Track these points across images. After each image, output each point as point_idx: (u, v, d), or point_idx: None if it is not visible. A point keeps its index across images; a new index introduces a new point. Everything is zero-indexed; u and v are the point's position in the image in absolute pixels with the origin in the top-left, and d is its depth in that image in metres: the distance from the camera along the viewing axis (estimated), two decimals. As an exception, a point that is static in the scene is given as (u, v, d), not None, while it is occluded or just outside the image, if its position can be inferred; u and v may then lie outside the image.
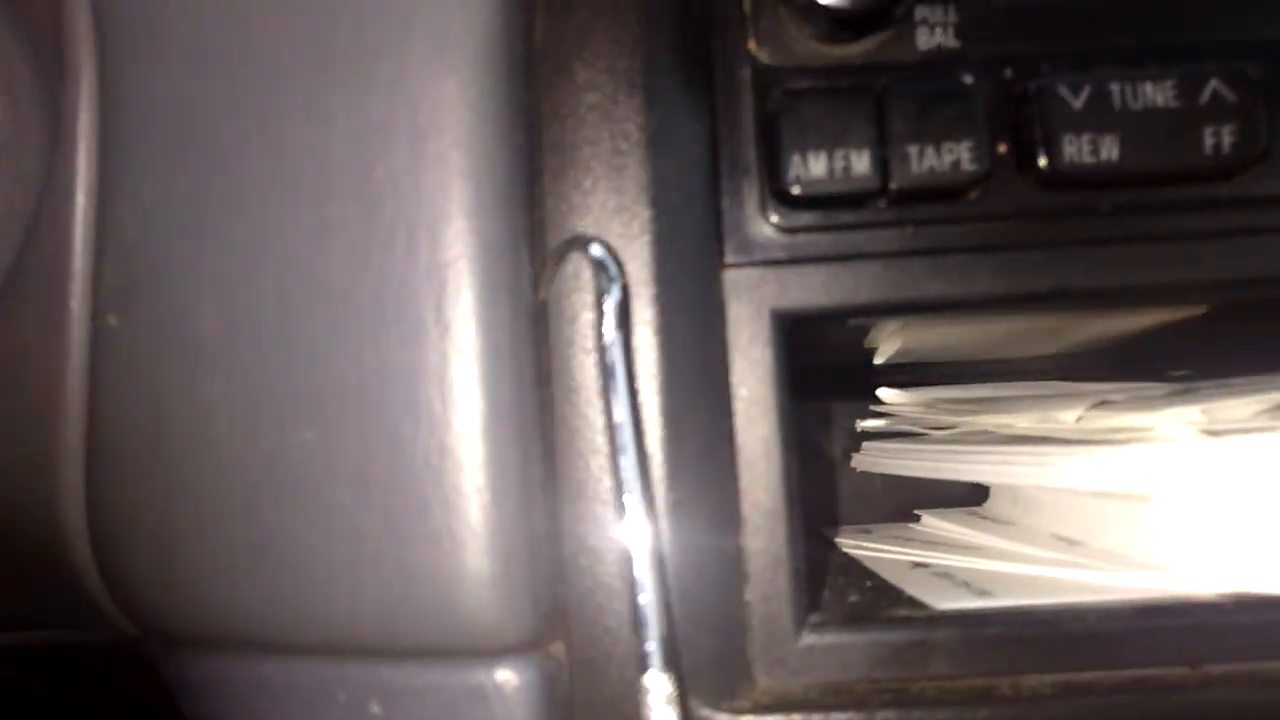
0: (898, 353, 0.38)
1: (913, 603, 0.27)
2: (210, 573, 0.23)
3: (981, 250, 0.24)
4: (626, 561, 0.22)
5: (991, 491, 0.40)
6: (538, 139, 0.23)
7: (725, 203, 0.24)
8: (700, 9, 0.25)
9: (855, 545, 0.36)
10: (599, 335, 0.23)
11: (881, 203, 0.24)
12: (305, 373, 0.22)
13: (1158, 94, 0.24)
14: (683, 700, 0.22)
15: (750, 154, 0.24)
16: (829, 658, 0.24)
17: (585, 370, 0.24)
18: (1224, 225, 0.24)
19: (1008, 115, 0.24)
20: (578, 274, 0.23)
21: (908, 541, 0.35)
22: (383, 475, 0.21)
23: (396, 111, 0.21)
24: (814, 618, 0.25)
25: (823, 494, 0.44)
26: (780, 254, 0.24)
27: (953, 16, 0.25)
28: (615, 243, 0.24)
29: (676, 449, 0.24)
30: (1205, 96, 0.24)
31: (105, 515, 0.25)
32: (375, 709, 0.22)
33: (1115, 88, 0.24)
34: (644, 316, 0.24)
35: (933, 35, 0.25)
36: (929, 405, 0.36)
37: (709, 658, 0.24)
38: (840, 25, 0.24)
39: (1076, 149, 0.24)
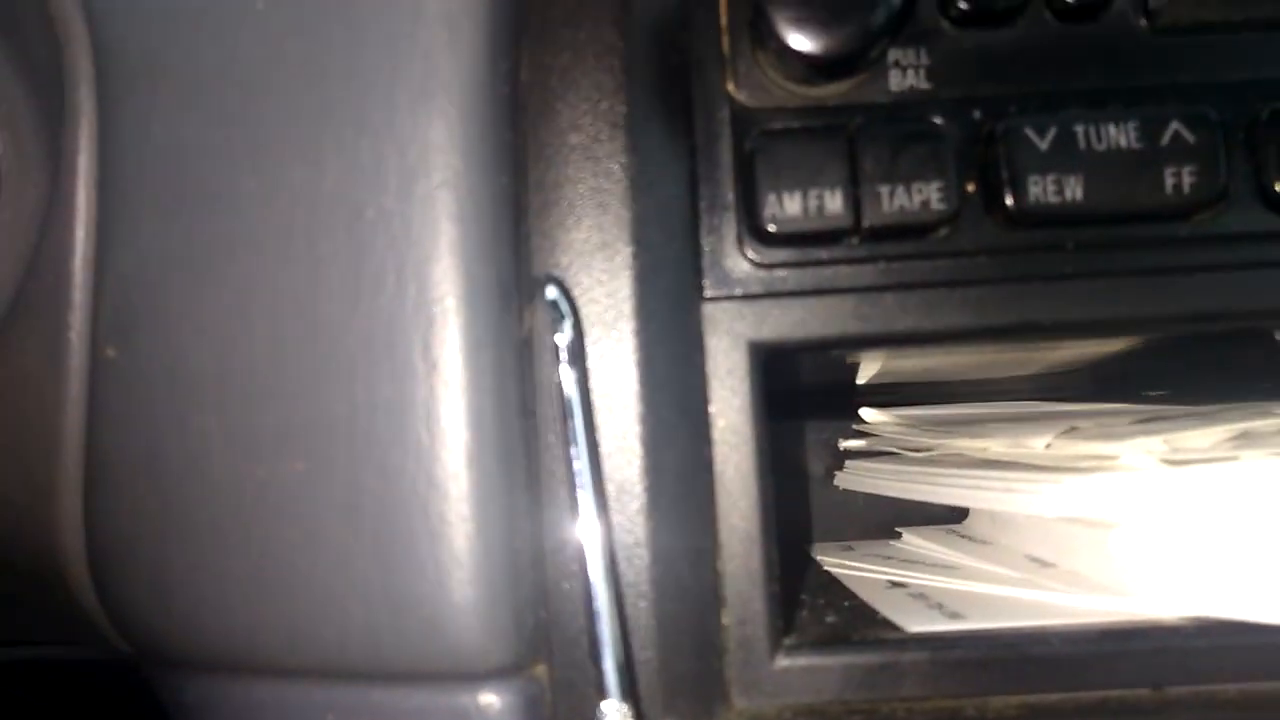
0: (879, 373, 0.39)
1: (887, 624, 0.27)
2: (204, 597, 0.24)
3: (950, 286, 0.25)
4: (590, 595, 0.23)
5: (970, 511, 0.41)
6: (523, 178, 0.24)
7: (704, 239, 0.25)
8: (680, 52, 0.25)
9: (836, 563, 0.36)
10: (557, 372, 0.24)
11: (854, 240, 0.25)
12: (297, 406, 0.22)
13: (1120, 135, 0.25)
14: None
15: (728, 192, 0.25)
16: (803, 680, 0.25)
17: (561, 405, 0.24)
18: (1183, 262, 0.25)
19: (976, 155, 0.25)
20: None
21: (887, 560, 0.36)
22: (372, 505, 0.22)
23: (386, 154, 0.22)
24: (789, 640, 0.25)
25: (806, 510, 0.44)
26: (757, 288, 0.25)
27: (924, 59, 0.26)
28: (597, 277, 0.25)
29: (656, 477, 0.25)
30: (1166, 138, 0.25)
31: (103, 540, 0.26)
32: (364, 730, 0.22)
33: (1080, 129, 0.25)
34: (626, 348, 0.25)
35: (905, 77, 0.26)
36: (908, 425, 0.37)
37: (687, 680, 0.24)
38: (815, 68, 0.25)
39: (1042, 189, 0.24)
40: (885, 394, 0.41)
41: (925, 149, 0.24)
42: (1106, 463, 0.26)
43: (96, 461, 0.25)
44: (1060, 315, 0.25)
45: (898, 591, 0.31)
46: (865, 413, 0.39)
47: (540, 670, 0.24)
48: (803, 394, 0.42)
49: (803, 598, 0.31)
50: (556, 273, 0.25)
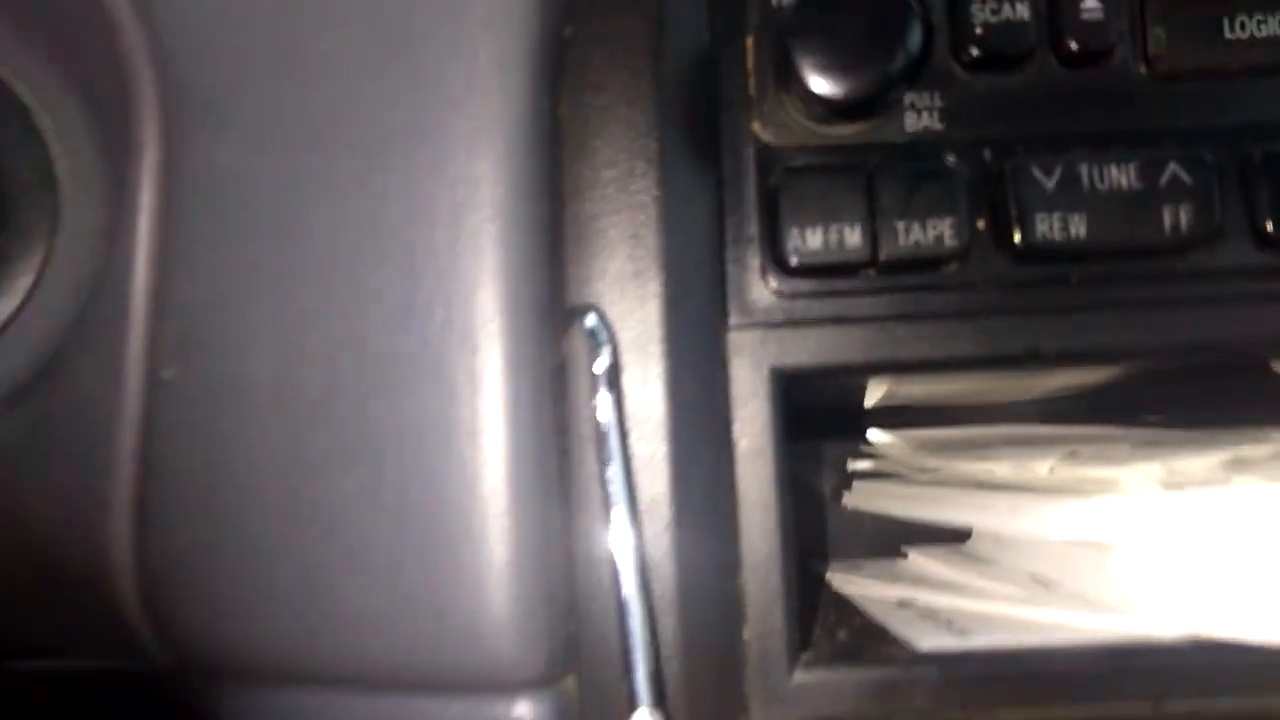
0: (886, 396, 0.41)
1: (897, 641, 0.29)
2: (252, 608, 0.25)
3: (961, 317, 0.26)
4: (623, 609, 0.24)
5: (974, 531, 0.42)
6: (560, 211, 0.26)
7: (730, 270, 0.27)
8: (709, 93, 0.27)
9: (845, 581, 0.38)
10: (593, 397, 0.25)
11: (871, 272, 0.26)
12: (350, 425, 0.24)
13: (1122, 176, 0.26)
14: None
15: (753, 226, 0.27)
16: (819, 693, 0.26)
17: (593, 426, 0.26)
18: (1180, 295, 0.26)
19: (986, 193, 0.27)
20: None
21: (894, 579, 0.37)
22: (418, 519, 0.23)
23: (438, 189, 0.24)
24: (806, 656, 0.27)
25: (815, 528, 0.46)
26: (779, 317, 0.27)
27: (938, 102, 0.27)
28: (629, 305, 0.26)
29: (682, 495, 0.26)
30: (1164, 179, 0.26)
31: (153, 553, 0.27)
32: (406, 737, 0.23)
33: (1084, 169, 0.26)
34: (654, 372, 0.26)
35: (919, 119, 0.27)
36: (915, 447, 0.38)
37: (710, 692, 0.26)
38: (836, 110, 0.26)
39: (1048, 226, 0.26)
40: (892, 416, 0.42)
41: (938, 187, 0.26)
42: (1108, 486, 0.28)
43: (151, 477, 0.26)
44: (1064, 345, 0.26)
45: (906, 610, 0.33)
46: (873, 434, 0.41)
47: (570, 682, 0.25)
48: (812, 416, 0.44)
49: (815, 615, 0.33)
50: (591, 300, 0.26)
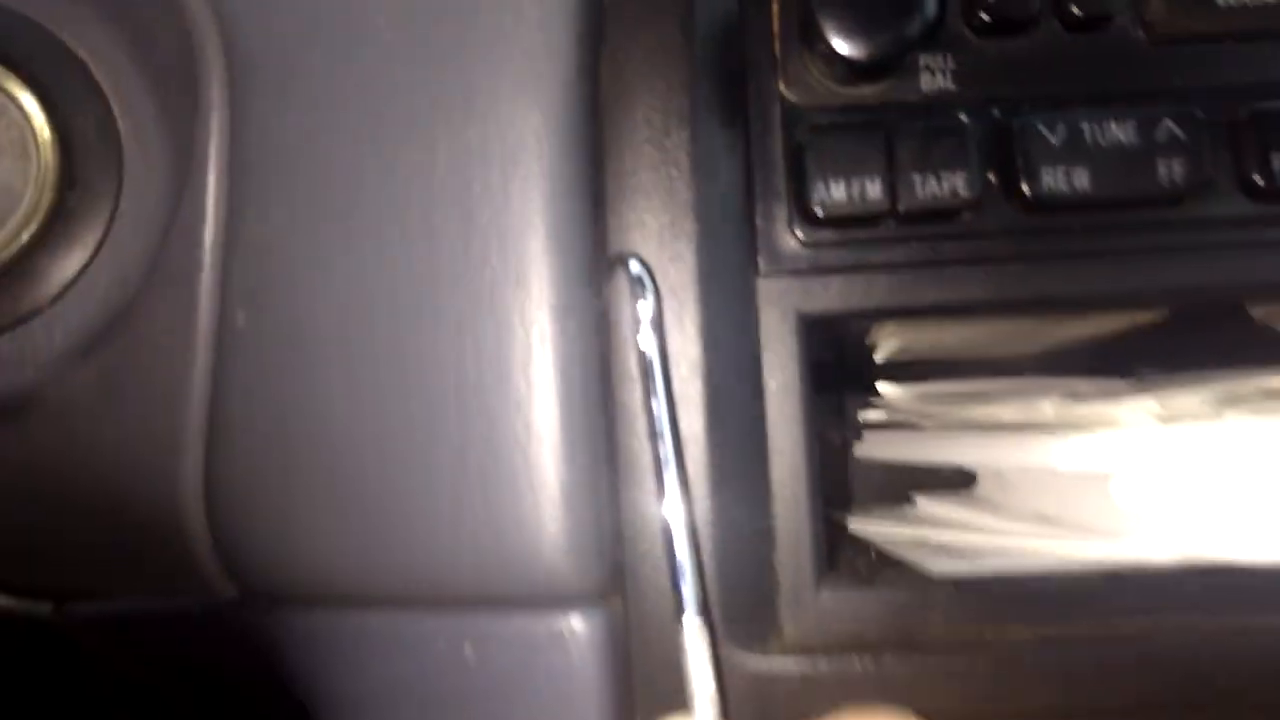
0: (896, 352, 0.43)
1: (912, 569, 0.31)
2: (323, 537, 0.27)
3: (974, 263, 0.28)
4: (669, 527, 0.26)
5: (979, 477, 0.45)
6: (601, 166, 0.28)
7: (759, 221, 0.28)
8: (738, 55, 0.29)
9: (859, 524, 0.40)
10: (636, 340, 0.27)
11: (890, 222, 0.28)
12: (413, 363, 0.26)
13: (1121, 132, 0.28)
14: (714, 640, 0.26)
15: (780, 180, 0.28)
16: (844, 611, 0.28)
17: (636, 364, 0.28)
18: (1174, 243, 0.28)
19: (996, 148, 0.28)
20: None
21: (906, 520, 0.40)
22: (478, 449, 0.25)
23: (490, 139, 0.26)
24: (831, 578, 0.29)
25: (828, 480, 0.48)
26: (805, 265, 0.29)
27: (951, 64, 0.29)
28: (666, 254, 0.28)
29: (717, 432, 0.28)
30: (1160, 135, 0.28)
31: (223, 488, 0.29)
32: (469, 652, 0.26)
33: (1086, 126, 0.28)
34: (689, 317, 0.28)
35: (934, 80, 0.29)
36: (924, 398, 0.41)
37: (744, 610, 0.28)
38: (856, 71, 0.28)
39: (1054, 178, 0.28)
40: (900, 370, 0.44)
41: (952, 143, 0.28)
42: (1108, 422, 0.30)
43: (221, 416, 0.28)
44: (1069, 290, 0.28)
45: (919, 545, 0.35)
46: (883, 387, 0.43)
47: (617, 602, 0.27)
48: (824, 370, 0.46)
49: (834, 550, 0.35)
50: (629, 249, 0.28)
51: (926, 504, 0.42)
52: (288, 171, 0.27)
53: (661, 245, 0.28)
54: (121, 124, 0.31)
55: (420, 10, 0.26)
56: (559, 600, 0.26)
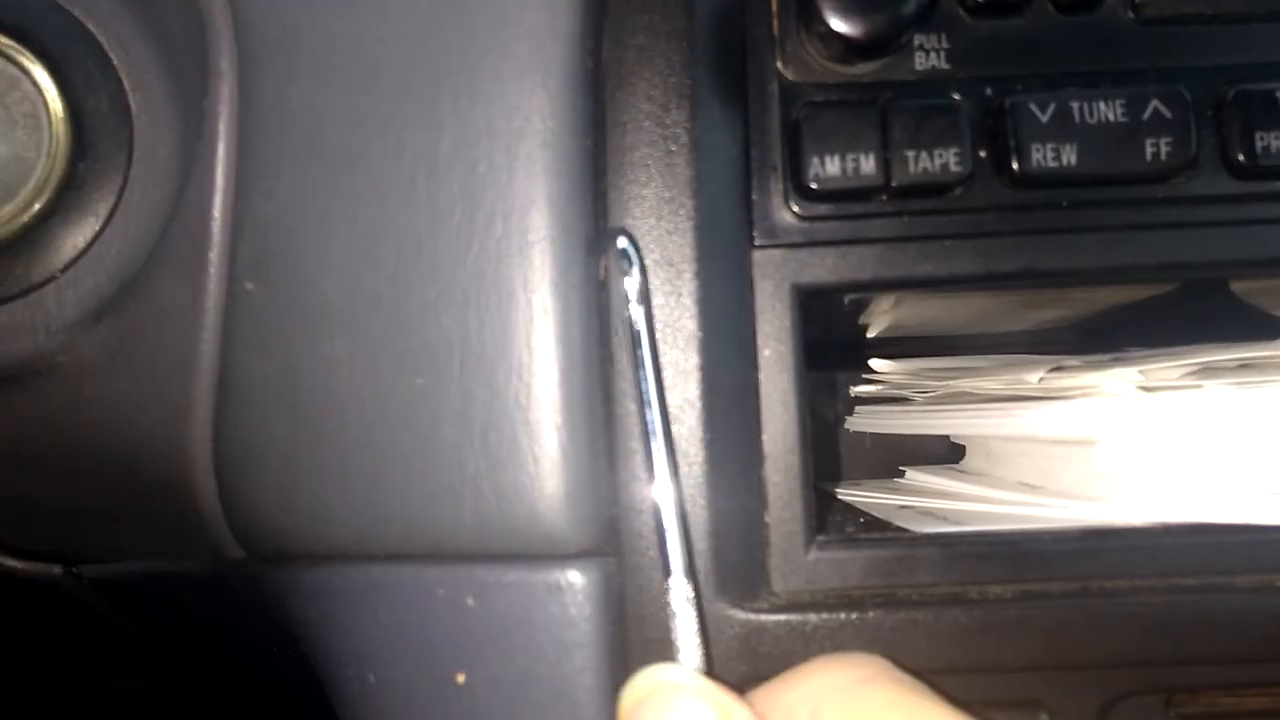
0: (888, 328, 0.44)
1: (900, 530, 0.32)
2: (329, 499, 0.28)
3: (964, 237, 0.29)
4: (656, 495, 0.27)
5: (967, 450, 0.46)
6: (602, 141, 0.28)
7: (755, 195, 0.29)
8: (737, 34, 0.29)
9: (849, 494, 0.41)
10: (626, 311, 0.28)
11: (884, 197, 0.29)
12: (418, 330, 0.26)
13: (1109, 111, 0.29)
14: (699, 599, 0.27)
15: (777, 155, 0.29)
16: (832, 569, 0.29)
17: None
18: (1160, 219, 0.29)
19: (987, 126, 0.29)
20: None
21: (894, 490, 0.41)
22: (480, 413, 0.26)
23: (495, 117, 0.26)
24: (820, 538, 0.30)
25: (819, 453, 0.49)
26: (800, 238, 0.29)
27: (944, 44, 0.30)
28: (664, 227, 0.29)
29: (713, 396, 0.29)
30: (1147, 114, 0.29)
31: (232, 450, 0.30)
32: (470, 601, 0.27)
33: (1075, 105, 0.29)
34: (687, 288, 0.29)
35: (928, 59, 0.30)
36: (915, 373, 0.42)
37: (736, 568, 0.29)
38: (852, 49, 0.29)
39: (1043, 155, 0.29)
40: (892, 347, 0.45)
41: (945, 120, 0.29)
42: (1091, 391, 0.31)
43: (230, 380, 0.29)
44: (1057, 263, 0.29)
45: (907, 510, 0.36)
46: (876, 363, 0.44)
47: (613, 561, 0.28)
48: (817, 348, 0.47)
49: (824, 516, 0.36)
50: (629, 223, 0.29)
51: (915, 475, 0.44)
52: (296, 144, 0.27)
53: (660, 219, 0.29)
54: (132, 97, 0.31)
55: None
56: (555, 555, 0.27)
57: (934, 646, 0.28)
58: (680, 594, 0.26)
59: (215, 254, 0.28)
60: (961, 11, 0.30)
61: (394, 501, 0.27)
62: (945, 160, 0.28)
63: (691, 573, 0.26)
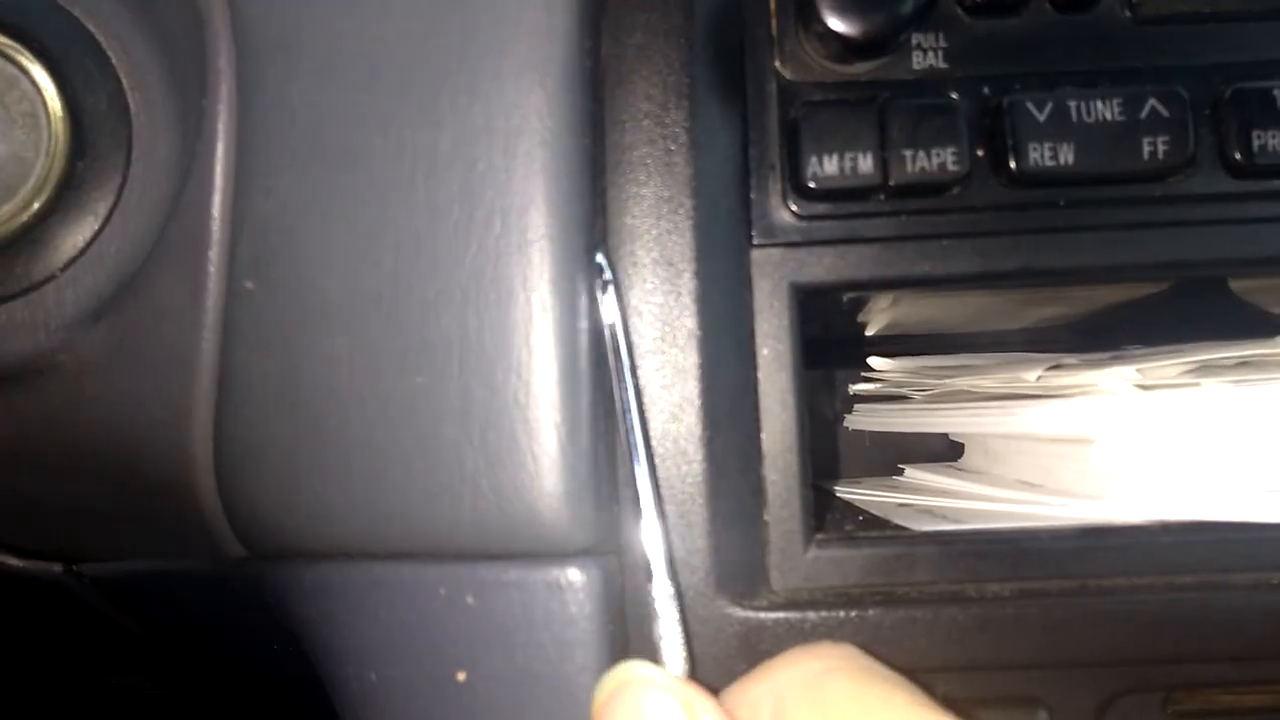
0: (886, 327, 0.44)
1: (898, 528, 0.32)
2: (329, 497, 0.28)
3: (962, 236, 0.29)
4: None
5: (966, 448, 0.46)
6: (601, 140, 0.28)
7: (754, 194, 0.29)
8: (735, 33, 0.30)
9: (848, 492, 0.41)
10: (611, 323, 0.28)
11: (881, 196, 0.29)
12: (417, 329, 0.26)
13: (1106, 110, 0.29)
14: (681, 599, 0.26)
15: (775, 154, 0.29)
16: (831, 567, 0.29)
17: (631, 332, 0.29)
18: (1157, 218, 0.29)
19: (985, 125, 0.29)
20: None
21: (893, 488, 0.41)
22: (480, 411, 0.26)
23: (494, 117, 0.26)
24: (819, 536, 0.30)
25: (818, 452, 0.49)
26: (798, 237, 0.29)
27: (941, 43, 0.30)
28: (663, 226, 0.29)
29: (711, 397, 0.29)
30: (1144, 113, 0.29)
31: (232, 449, 0.30)
32: (470, 600, 0.27)
33: (1072, 104, 0.29)
34: (686, 287, 0.29)
35: (925, 58, 0.30)
36: (913, 371, 0.42)
37: (735, 567, 0.29)
38: (850, 49, 0.29)
39: (1040, 154, 0.29)
40: (890, 345, 0.46)
41: (942, 119, 0.29)
42: (1089, 389, 0.31)
43: (230, 379, 0.29)
44: (1054, 262, 0.29)
45: (906, 508, 0.36)
46: (875, 361, 0.44)
47: (613, 559, 0.28)
48: (816, 347, 0.47)
49: (823, 514, 0.36)
50: (629, 221, 0.29)
51: (914, 473, 0.44)
52: (295, 142, 0.27)
53: (659, 218, 0.29)
54: (130, 96, 0.31)
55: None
56: (555, 553, 0.27)
57: (932, 644, 0.28)
58: (663, 593, 0.26)
59: (215, 253, 0.28)
60: (959, 11, 0.30)
61: (394, 500, 0.27)
62: (943, 159, 0.29)
63: (673, 572, 0.26)
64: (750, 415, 0.29)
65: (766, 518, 0.29)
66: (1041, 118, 0.29)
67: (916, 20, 0.29)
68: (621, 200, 0.29)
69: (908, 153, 0.29)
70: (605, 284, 0.27)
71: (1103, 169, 0.29)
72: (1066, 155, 0.29)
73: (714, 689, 0.24)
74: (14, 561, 0.39)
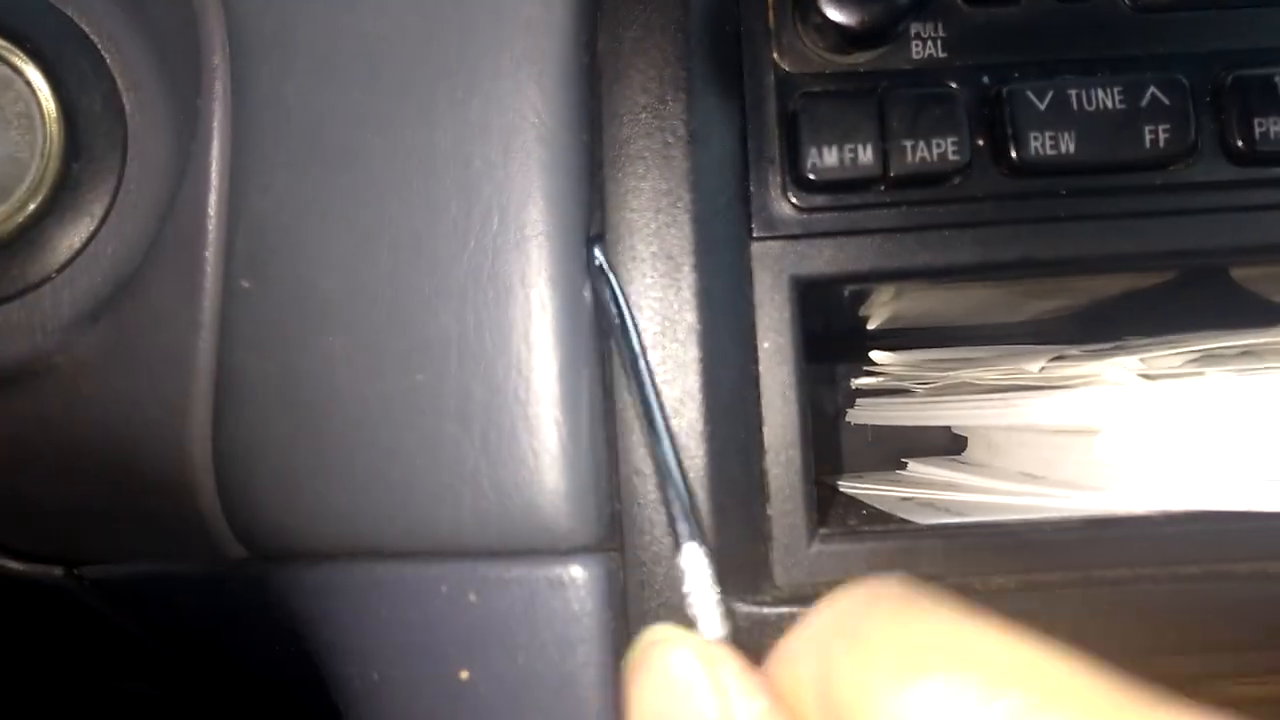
0: (888, 320, 0.44)
1: (903, 522, 0.32)
2: (329, 497, 0.28)
3: (963, 227, 0.29)
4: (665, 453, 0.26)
5: (969, 441, 0.46)
6: (599, 135, 0.28)
7: (753, 187, 0.29)
8: (732, 26, 0.29)
9: (850, 486, 0.41)
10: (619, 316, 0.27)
11: (882, 187, 0.29)
12: (416, 327, 0.26)
13: (1107, 98, 0.29)
14: (713, 566, 0.26)
15: (774, 146, 0.29)
16: (835, 562, 0.29)
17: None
18: (1159, 207, 0.29)
19: (985, 114, 0.29)
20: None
21: (896, 482, 0.41)
22: (480, 409, 0.26)
23: (490, 112, 0.26)
24: (823, 531, 0.30)
25: (820, 446, 0.49)
26: (798, 229, 0.29)
27: (940, 32, 0.30)
28: (662, 220, 0.29)
29: (712, 391, 0.29)
30: (1145, 101, 0.29)
31: (231, 451, 0.30)
32: (472, 597, 0.27)
33: (1073, 92, 0.29)
34: (685, 281, 0.29)
35: (924, 48, 0.30)
36: (915, 364, 0.42)
37: (738, 561, 0.29)
38: (849, 39, 0.29)
39: (1041, 143, 0.29)
40: (892, 339, 0.45)
41: (942, 109, 0.29)
42: (1092, 379, 0.31)
43: (228, 379, 0.29)
44: (1056, 252, 0.29)
45: (909, 502, 0.36)
46: (876, 354, 0.44)
47: (616, 556, 0.28)
48: (817, 341, 0.47)
49: (827, 509, 0.36)
50: (627, 215, 0.29)
51: (917, 466, 0.44)
52: (291, 140, 0.27)
53: (658, 212, 0.29)
54: (125, 96, 0.31)
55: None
56: (558, 551, 0.26)
57: (937, 637, 0.27)
58: (693, 556, 0.25)
59: (211, 252, 0.28)
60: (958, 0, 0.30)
61: (394, 499, 0.27)
62: (943, 149, 0.28)
63: (702, 536, 0.25)
64: (751, 410, 0.29)
65: (769, 512, 0.29)
66: (1042, 106, 0.29)
67: (915, 9, 0.28)
68: (620, 194, 0.29)
69: (908, 143, 0.28)
70: (601, 279, 0.27)
71: (1104, 158, 0.29)
72: (1067, 144, 0.29)
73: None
74: (14, 565, 0.38)
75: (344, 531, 0.28)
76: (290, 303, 0.28)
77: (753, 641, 0.28)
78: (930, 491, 0.37)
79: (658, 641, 0.22)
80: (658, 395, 0.27)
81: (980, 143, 0.29)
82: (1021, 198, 0.29)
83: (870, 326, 0.44)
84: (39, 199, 0.30)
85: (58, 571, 0.40)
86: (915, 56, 0.29)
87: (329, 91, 0.27)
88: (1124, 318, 0.44)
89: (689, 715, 0.21)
